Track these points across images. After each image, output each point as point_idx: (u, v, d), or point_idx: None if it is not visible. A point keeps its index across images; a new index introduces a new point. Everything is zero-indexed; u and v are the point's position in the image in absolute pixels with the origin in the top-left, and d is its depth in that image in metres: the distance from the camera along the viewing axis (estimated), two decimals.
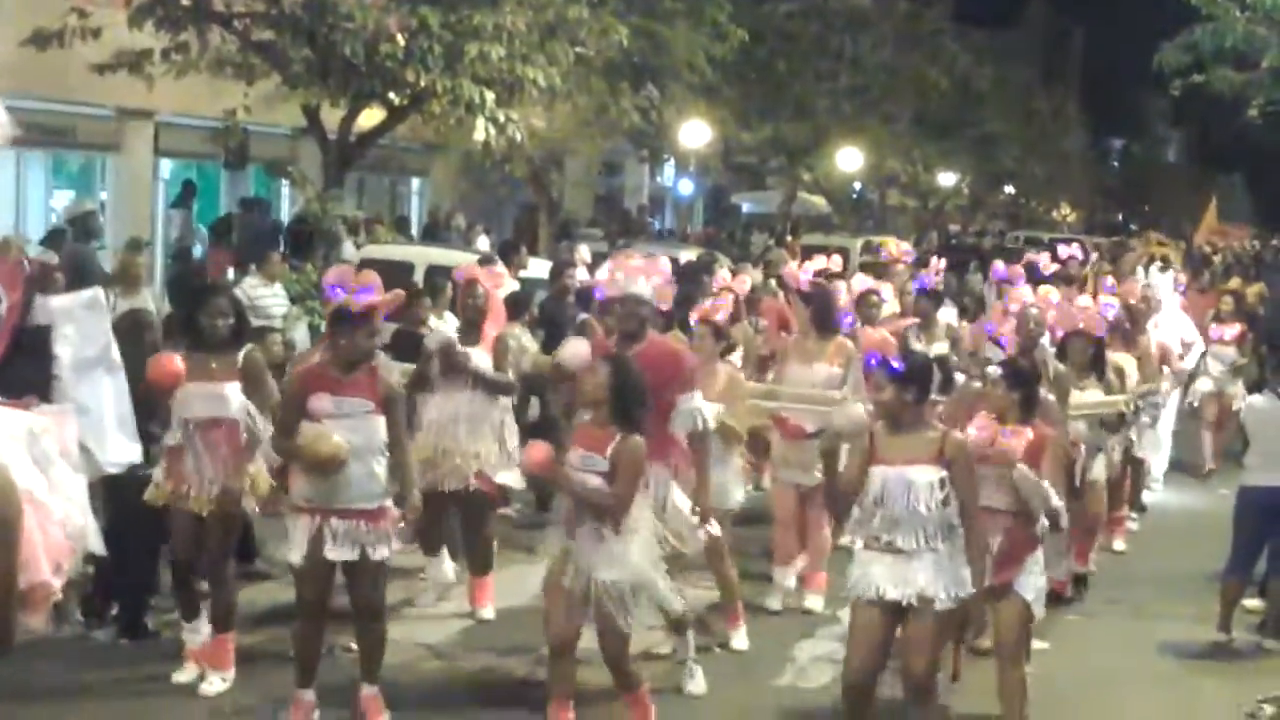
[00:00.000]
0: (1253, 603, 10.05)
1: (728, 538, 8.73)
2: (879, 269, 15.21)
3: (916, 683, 6.62)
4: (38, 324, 4.92)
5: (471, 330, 9.19)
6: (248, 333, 8.01)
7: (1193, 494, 14.24)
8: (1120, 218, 74.99)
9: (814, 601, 9.81)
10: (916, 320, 11.83)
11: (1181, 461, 15.26)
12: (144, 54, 16.46)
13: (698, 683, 8.05)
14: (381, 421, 7.09)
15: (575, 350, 7.58)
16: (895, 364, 6.65)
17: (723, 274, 12.23)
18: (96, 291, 5.27)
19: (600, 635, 6.89)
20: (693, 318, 9.22)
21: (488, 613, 9.20)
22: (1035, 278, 13.96)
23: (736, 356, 10.41)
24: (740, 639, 8.92)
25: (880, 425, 6.67)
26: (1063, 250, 17.68)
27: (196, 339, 7.70)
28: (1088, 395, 10.01)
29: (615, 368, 6.91)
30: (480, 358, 9.03)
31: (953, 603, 6.51)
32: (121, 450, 5.07)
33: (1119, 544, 11.94)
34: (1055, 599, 9.20)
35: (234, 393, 7.61)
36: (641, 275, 7.88)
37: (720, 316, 9.17)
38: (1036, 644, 8.40)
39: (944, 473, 6.50)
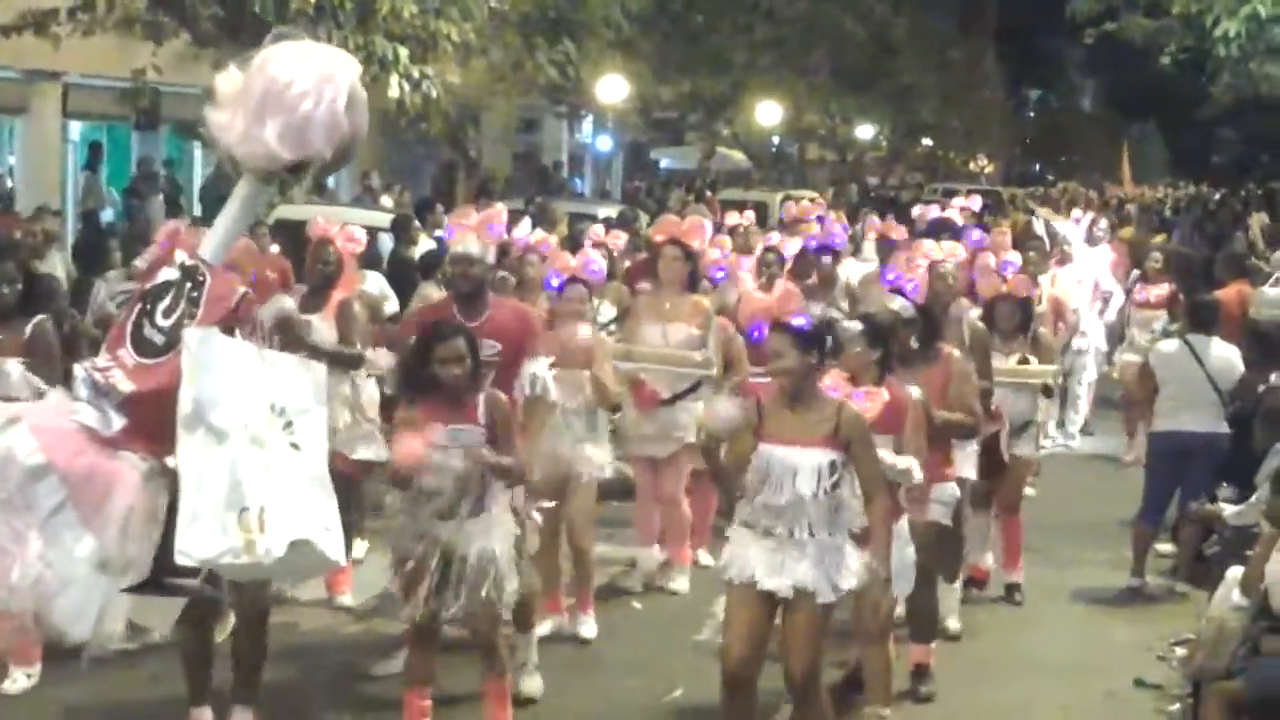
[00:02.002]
0: (1165, 547, 10.20)
1: (587, 513, 8.26)
2: (789, 226, 14.30)
3: (798, 683, 6.20)
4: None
5: (317, 295, 8.40)
6: (42, 302, 7.33)
7: (1104, 440, 14.41)
8: (1038, 168, 75.54)
9: (679, 583, 9.25)
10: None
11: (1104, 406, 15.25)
12: (50, 13, 16.18)
13: (535, 683, 7.43)
14: None
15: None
16: (799, 322, 6.19)
17: (595, 229, 11.49)
18: (189, 334, 4.20)
19: (470, 615, 6.38)
20: (558, 277, 8.37)
21: (346, 599, 8.70)
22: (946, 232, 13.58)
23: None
24: (589, 627, 8.36)
25: (769, 398, 6.22)
26: (961, 202, 16.45)
27: None
28: (1021, 363, 9.28)
29: (469, 339, 6.39)
30: (322, 327, 8.23)
31: (835, 596, 6.10)
32: (194, 539, 4.01)
33: (1029, 490, 11.28)
34: (973, 584, 9.16)
35: (14, 368, 6.93)
36: (473, 233, 7.37)
37: (593, 273, 8.48)
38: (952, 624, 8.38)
39: (836, 455, 6.06)
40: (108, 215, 21.48)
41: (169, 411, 4.02)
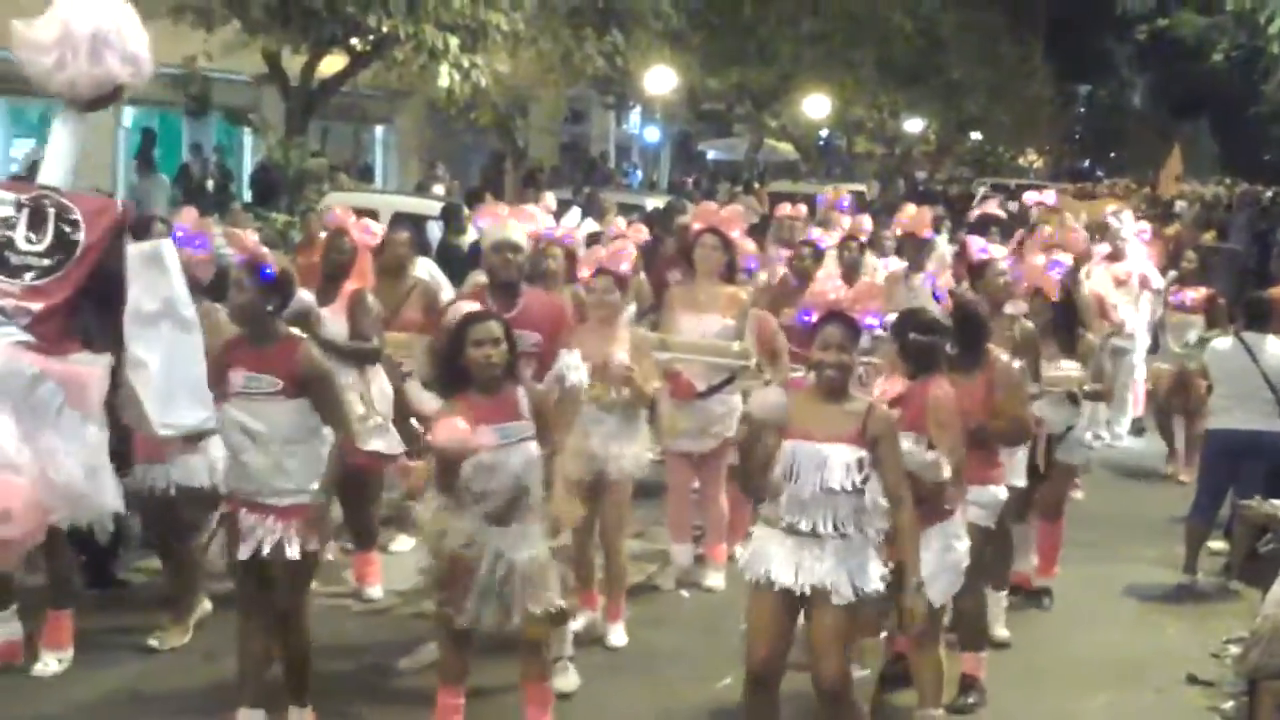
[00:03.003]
0: (1217, 545, 10.10)
1: (620, 512, 8.10)
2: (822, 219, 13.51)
3: (827, 686, 6.06)
4: (114, 271, 4.64)
5: (331, 287, 8.23)
6: None
7: (1155, 438, 14.27)
8: (1087, 164, 75.05)
9: (715, 579, 9.08)
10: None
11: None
12: None
13: (570, 679, 7.33)
14: (295, 405, 6.08)
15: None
16: (871, 321, 6.10)
17: (618, 221, 11.16)
18: (158, 244, 4.89)
19: (525, 617, 6.24)
20: (588, 269, 8.15)
21: (375, 591, 8.59)
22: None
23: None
24: (618, 634, 8.14)
25: (801, 392, 6.16)
26: (1036, 197, 16.09)
27: None
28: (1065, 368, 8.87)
29: (506, 329, 6.27)
30: (332, 320, 8.07)
31: (855, 597, 5.97)
32: (181, 412, 4.73)
33: (1077, 494, 11.09)
34: (1016, 591, 8.88)
35: None
36: (512, 220, 7.25)
37: (625, 267, 8.14)
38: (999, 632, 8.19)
39: (864, 452, 5.96)
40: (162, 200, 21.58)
41: (76, 315, 4.61)
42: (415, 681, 7.31)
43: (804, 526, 5.97)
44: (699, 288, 8.91)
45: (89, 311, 4.60)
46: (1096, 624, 8.98)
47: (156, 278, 4.67)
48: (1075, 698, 7.81)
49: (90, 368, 4.38)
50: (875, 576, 5.99)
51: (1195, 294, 13.18)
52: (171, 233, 6.76)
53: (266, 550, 6.16)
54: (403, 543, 9.23)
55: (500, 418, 6.12)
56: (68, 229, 4.54)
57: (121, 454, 4.85)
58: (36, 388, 4.14)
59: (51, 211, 4.57)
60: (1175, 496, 10.44)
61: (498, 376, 6.18)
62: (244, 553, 6.19)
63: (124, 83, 4.89)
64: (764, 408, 6.10)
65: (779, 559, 6.01)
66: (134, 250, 4.77)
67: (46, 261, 4.45)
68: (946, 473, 6.52)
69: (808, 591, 5.95)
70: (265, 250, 6.55)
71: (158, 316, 4.63)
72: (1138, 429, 14.45)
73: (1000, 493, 7.41)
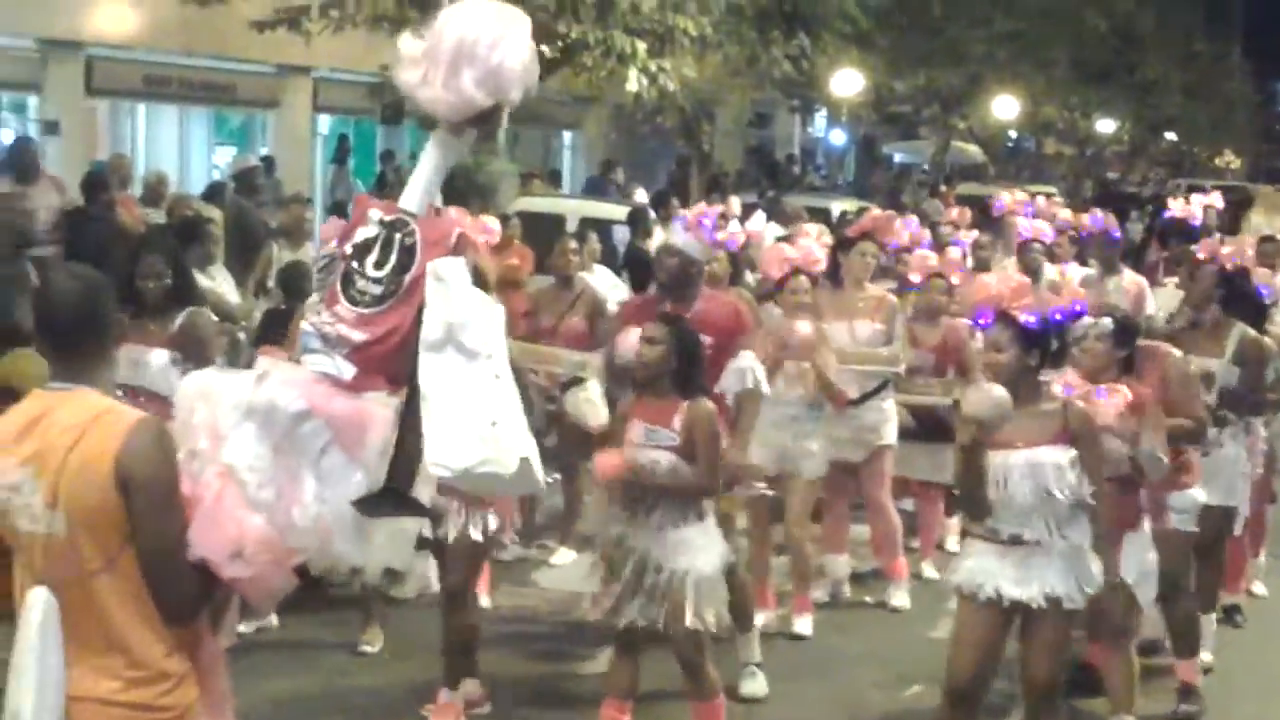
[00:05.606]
0: None
1: (809, 506, 8.17)
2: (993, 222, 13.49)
3: (1040, 689, 5.93)
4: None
5: None
6: (194, 294, 7.30)
7: None
8: None
9: (900, 599, 8.87)
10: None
11: None
12: (302, 10, 16.73)
13: (758, 684, 7.34)
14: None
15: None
16: (1028, 319, 5.86)
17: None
18: (442, 262, 4.43)
19: (668, 634, 6.14)
20: (776, 270, 8.21)
21: (486, 600, 8.24)
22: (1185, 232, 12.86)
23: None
24: (804, 624, 8.21)
25: None
26: (1204, 199, 15.20)
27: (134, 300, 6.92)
28: None
29: (676, 333, 6.22)
30: None
31: (1083, 601, 5.82)
32: (455, 452, 4.19)
33: None
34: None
35: (157, 358, 6.85)
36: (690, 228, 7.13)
37: (819, 269, 8.25)
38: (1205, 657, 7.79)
39: (1072, 451, 5.77)
40: None
41: (396, 353, 4.27)
42: (590, 686, 7.27)
43: (1028, 536, 5.79)
44: (847, 294, 8.83)
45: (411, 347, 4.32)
46: None
47: (440, 298, 4.33)
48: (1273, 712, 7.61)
49: (376, 410, 4.16)
50: (1097, 575, 5.85)
51: None
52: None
53: (453, 533, 6.43)
54: (563, 555, 9.41)
55: (653, 419, 6.15)
56: (405, 259, 4.33)
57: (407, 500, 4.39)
58: (300, 425, 3.97)
59: (398, 238, 4.36)
60: None
61: (657, 378, 6.18)
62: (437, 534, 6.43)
63: (482, 106, 4.40)
64: (986, 406, 5.72)
65: (1005, 574, 5.82)
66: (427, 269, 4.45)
67: (379, 290, 4.28)
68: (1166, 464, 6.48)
69: (1042, 603, 5.77)
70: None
71: (441, 343, 4.29)
72: None
73: (1199, 495, 7.22)
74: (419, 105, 4.52)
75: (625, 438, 6.19)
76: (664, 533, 6.11)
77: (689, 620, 6.05)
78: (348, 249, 4.42)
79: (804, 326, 8.00)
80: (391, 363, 4.27)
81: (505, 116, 4.67)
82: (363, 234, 4.43)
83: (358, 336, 4.24)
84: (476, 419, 4.24)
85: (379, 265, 4.36)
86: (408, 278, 4.30)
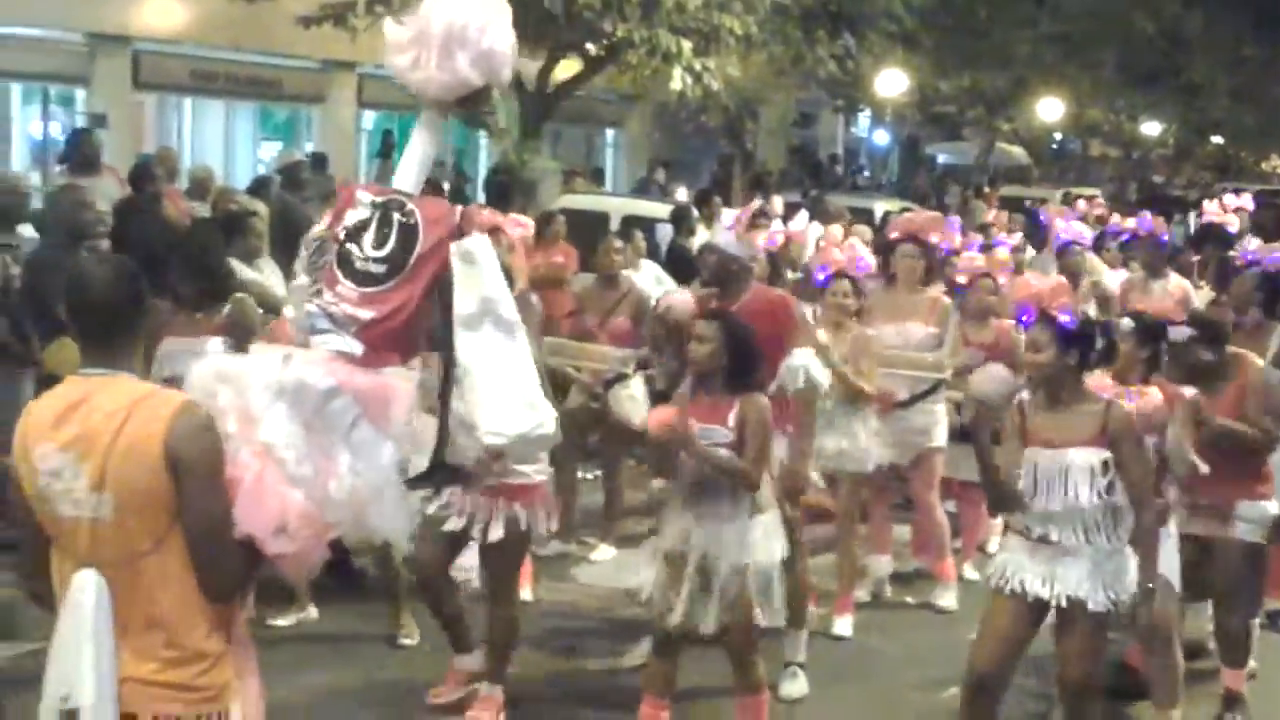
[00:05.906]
0: None
1: (856, 504, 8.22)
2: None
3: (1075, 689, 5.94)
4: (448, 279, 4.46)
5: None
6: (232, 287, 7.42)
7: None
8: None
9: (947, 599, 8.86)
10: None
11: None
12: (348, 6, 16.79)
13: (799, 684, 7.36)
14: None
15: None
16: (1065, 319, 5.84)
17: (833, 230, 10.76)
18: (470, 241, 4.56)
19: (725, 627, 6.11)
20: (822, 269, 8.23)
21: (527, 593, 8.22)
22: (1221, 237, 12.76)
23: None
24: (844, 624, 8.27)
25: (1032, 397, 5.92)
26: (1235, 201, 15.29)
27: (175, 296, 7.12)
28: None
29: (725, 328, 6.14)
30: None
31: (1110, 605, 5.80)
32: (508, 419, 4.37)
33: None
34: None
35: (215, 346, 6.87)
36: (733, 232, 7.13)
37: (860, 270, 8.21)
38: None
39: (1107, 454, 5.72)
40: None
41: (404, 329, 4.39)
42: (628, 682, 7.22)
43: (1055, 538, 5.81)
44: (900, 295, 8.81)
45: (429, 323, 4.49)
46: None
47: (472, 277, 4.49)
48: None
49: (398, 383, 4.25)
50: (1131, 581, 5.81)
51: None
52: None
53: (495, 530, 6.49)
54: (603, 551, 9.43)
55: (705, 418, 6.07)
56: (407, 238, 4.42)
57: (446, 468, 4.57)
58: (330, 401, 4.04)
59: (396, 218, 4.45)
60: None
61: (709, 376, 6.13)
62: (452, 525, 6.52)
63: (476, 85, 4.61)
64: (989, 385, 5.79)
65: (1032, 570, 5.85)
66: (452, 249, 4.59)
67: (382, 269, 4.37)
68: (1204, 467, 6.47)
69: (1063, 604, 5.80)
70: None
71: (478, 318, 4.46)
72: None
73: (1271, 508, 7.11)
74: (409, 87, 4.72)
75: (685, 428, 6.02)
76: (723, 527, 6.07)
77: (740, 611, 6.05)
78: (339, 232, 4.50)
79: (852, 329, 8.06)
80: (400, 339, 4.36)
81: (493, 95, 4.95)
82: (354, 216, 4.51)
83: (365, 314, 4.31)
84: (523, 386, 4.45)
85: (378, 245, 4.44)
86: (413, 256, 4.39)
